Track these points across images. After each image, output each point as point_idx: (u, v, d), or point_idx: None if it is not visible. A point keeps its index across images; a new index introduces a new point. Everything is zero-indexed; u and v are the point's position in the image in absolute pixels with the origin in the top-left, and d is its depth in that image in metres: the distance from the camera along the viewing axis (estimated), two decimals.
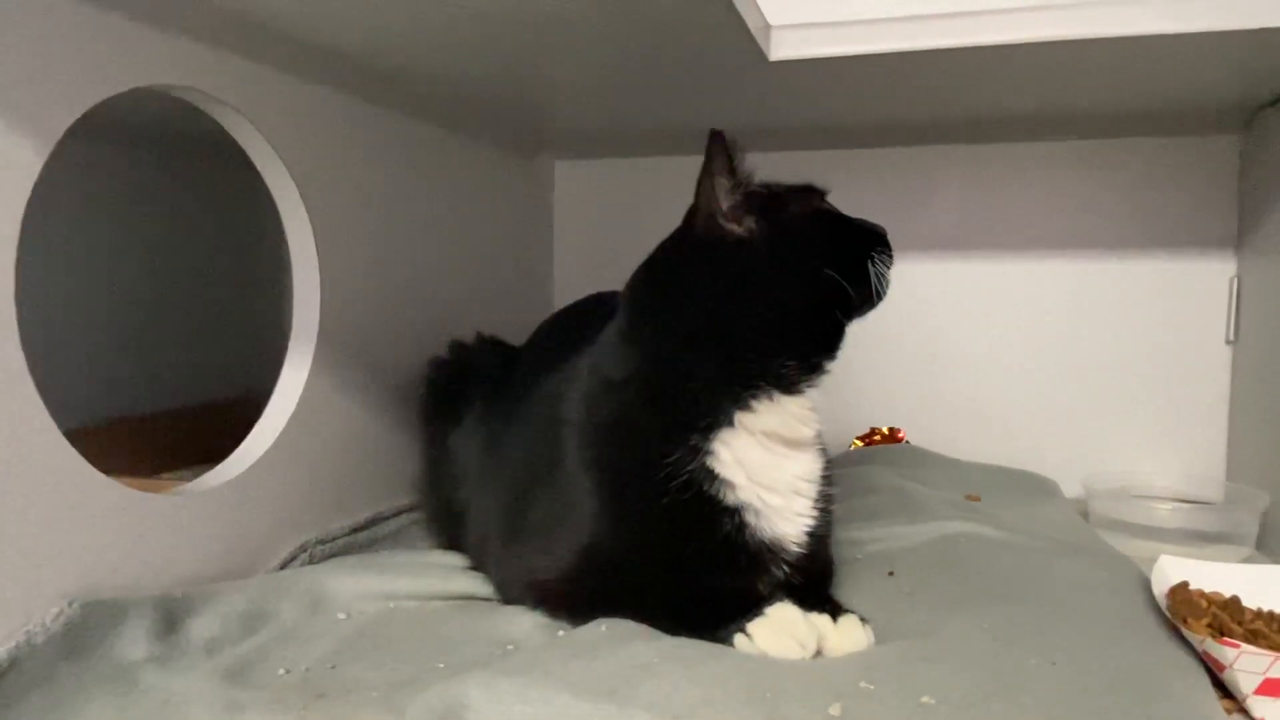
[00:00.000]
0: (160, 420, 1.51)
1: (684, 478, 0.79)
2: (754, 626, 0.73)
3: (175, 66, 0.87)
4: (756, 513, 0.81)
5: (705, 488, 0.80)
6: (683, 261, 0.85)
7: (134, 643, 0.76)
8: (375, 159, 1.16)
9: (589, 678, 0.65)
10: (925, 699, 0.66)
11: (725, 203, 0.81)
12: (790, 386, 0.82)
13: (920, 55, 1.01)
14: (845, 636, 0.74)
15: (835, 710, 0.62)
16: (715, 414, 0.81)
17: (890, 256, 0.87)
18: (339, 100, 1.09)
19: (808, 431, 0.85)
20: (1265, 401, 1.28)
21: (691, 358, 0.81)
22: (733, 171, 0.81)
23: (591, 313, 0.97)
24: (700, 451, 0.80)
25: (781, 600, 0.76)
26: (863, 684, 0.67)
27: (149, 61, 0.84)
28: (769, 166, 1.56)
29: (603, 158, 1.68)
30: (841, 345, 0.85)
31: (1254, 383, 1.32)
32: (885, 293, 0.85)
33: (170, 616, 0.80)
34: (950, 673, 0.70)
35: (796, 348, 0.82)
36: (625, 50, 1.04)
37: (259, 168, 1.00)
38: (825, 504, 0.87)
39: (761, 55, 1.01)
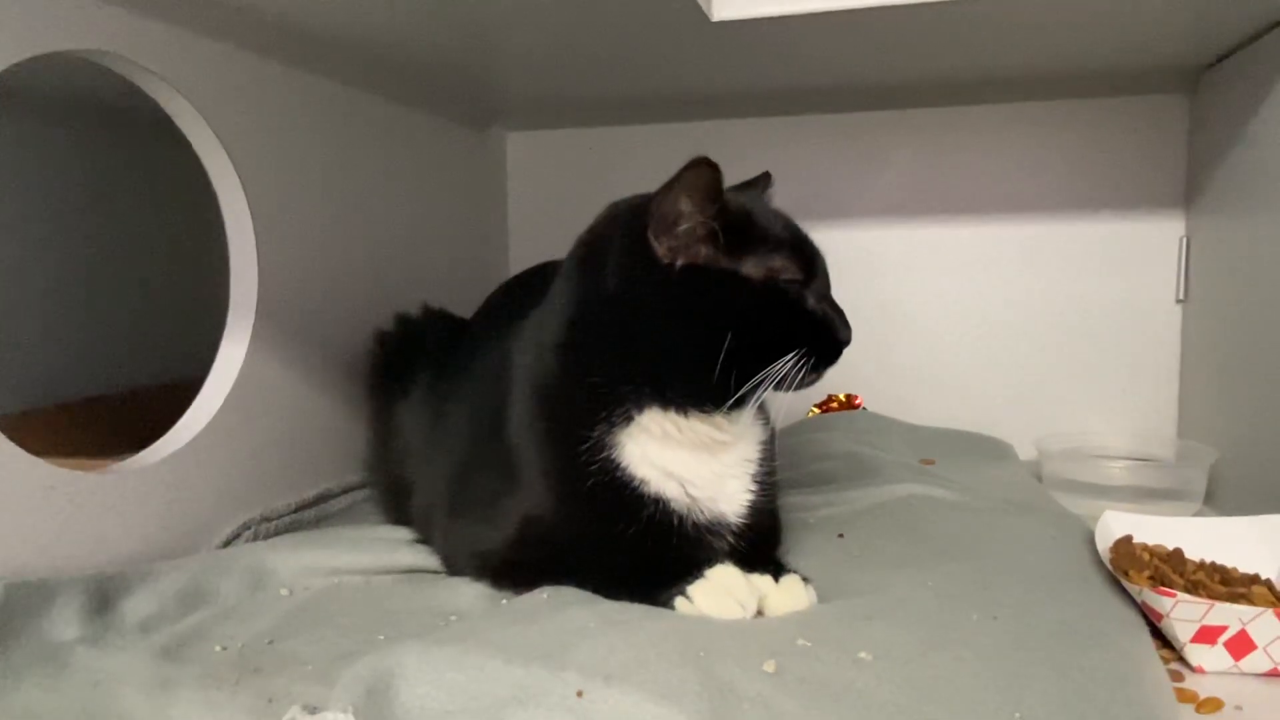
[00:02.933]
0: (112, 402, 1.48)
1: (597, 465, 0.78)
2: (694, 589, 0.73)
3: (94, 30, 0.84)
4: (684, 502, 0.79)
5: (618, 476, 0.78)
6: (610, 250, 0.79)
7: (64, 623, 0.75)
8: (315, 130, 1.13)
9: (524, 643, 0.64)
10: (862, 654, 0.66)
11: (682, 224, 0.75)
12: (685, 410, 0.78)
13: (866, 14, 1.00)
14: (786, 596, 0.74)
15: (770, 667, 0.62)
16: (612, 411, 0.78)
17: (830, 362, 0.79)
18: (274, 68, 1.06)
19: (723, 437, 0.81)
20: (1215, 359, 1.29)
21: (594, 348, 0.79)
22: (710, 200, 0.74)
23: (539, 281, 0.96)
24: (604, 445, 0.78)
25: (723, 562, 0.76)
26: (800, 641, 0.67)
27: (64, 24, 0.81)
28: (720, 135, 1.56)
29: (555, 128, 1.66)
30: (729, 403, 0.77)
31: (1204, 341, 1.33)
32: (795, 389, 0.78)
33: (103, 596, 0.78)
34: (889, 629, 0.70)
35: (681, 387, 0.77)
36: (568, 12, 1.02)
37: (189, 139, 0.97)
38: (768, 476, 0.85)
39: (703, 16, 1.00)
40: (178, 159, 1.06)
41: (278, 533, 1.02)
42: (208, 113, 0.95)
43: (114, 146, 1.56)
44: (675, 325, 0.77)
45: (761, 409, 0.87)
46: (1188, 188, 1.37)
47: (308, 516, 1.08)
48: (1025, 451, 1.36)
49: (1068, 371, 1.45)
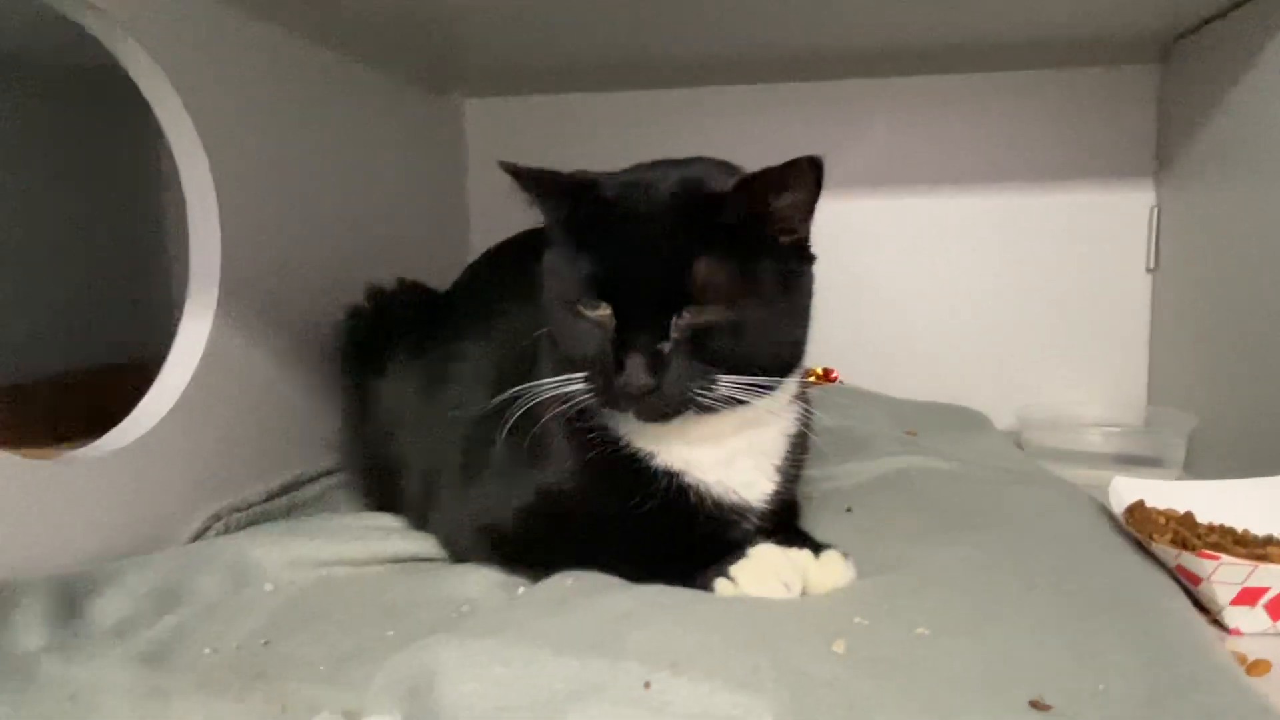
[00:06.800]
0: (65, 383, 1.36)
1: (596, 434, 0.73)
2: (737, 570, 0.68)
3: None
4: (697, 479, 0.74)
5: (621, 448, 0.73)
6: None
7: (27, 629, 0.68)
8: (276, 88, 1.05)
9: (568, 633, 0.59)
10: (920, 630, 0.63)
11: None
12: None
13: None
14: (829, 572, 0.71)
15: (839, 648, 0.59)
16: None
17: (612, 405, 0.70)
18: (234, 17, 0.97)
19: (701, 429, 0.72)
20: (1185, 327, 1.31)
21: None
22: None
23: (528, 248, 0.90)
24: (597, 412, 0.72)
25: (760, 541, 0.72)
26: (857, 619, 0.64)
27: None
28: (689, 102, 1.52)
29: (516, 95, 1.59)
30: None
31: (1174, 309, 1.35)
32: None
33: (69, 598, 0.71)
34: (938, 603, 0.68)
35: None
36: None
37: (146, 94, 0.88)
38: (793, 469, 0.81)
39: None
40: (130, 132, 0.96)
41: (250, 523, 0.95)
42: (164, 61, 0.86)
43: (57, 106, 1.43)
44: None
45: (798, 402, 0.81)
46: (1158, 157, 1.39)
47: (279, 505, 1.00)
48: (1000, 421, 1.36)
49: (1040, 341, 1.46)
